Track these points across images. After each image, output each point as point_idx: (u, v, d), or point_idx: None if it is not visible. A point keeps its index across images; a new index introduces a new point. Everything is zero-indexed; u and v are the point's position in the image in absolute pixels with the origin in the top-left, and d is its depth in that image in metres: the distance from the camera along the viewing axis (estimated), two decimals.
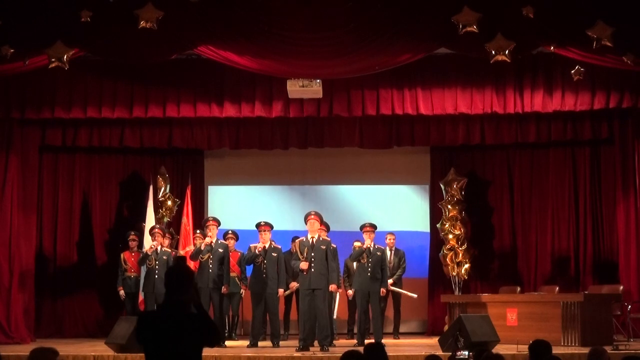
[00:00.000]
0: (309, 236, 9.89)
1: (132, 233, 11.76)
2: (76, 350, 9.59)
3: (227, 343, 10.39)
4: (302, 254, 9.85)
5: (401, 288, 11.94)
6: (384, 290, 10.75)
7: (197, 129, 12.11)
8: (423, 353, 8.66)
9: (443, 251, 12.14)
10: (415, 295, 11.87)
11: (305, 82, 10.50)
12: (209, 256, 10.56)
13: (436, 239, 12.63)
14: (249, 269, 10.81)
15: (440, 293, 12.14)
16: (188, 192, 12.08)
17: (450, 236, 12.04)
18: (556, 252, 12.58)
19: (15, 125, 11.52)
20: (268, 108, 11.11)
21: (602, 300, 10.17)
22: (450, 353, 8.40)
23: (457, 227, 12.04)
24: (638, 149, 11.35)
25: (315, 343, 9.79)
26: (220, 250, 10.67)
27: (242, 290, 11.40)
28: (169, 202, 12.33)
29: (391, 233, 12.12)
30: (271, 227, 10.52)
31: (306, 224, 9.97)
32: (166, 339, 4.10)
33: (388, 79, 10.99)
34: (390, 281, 11.66)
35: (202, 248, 10.54)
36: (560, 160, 12.63)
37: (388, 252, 11.93)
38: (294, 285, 10.75)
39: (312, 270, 9.73)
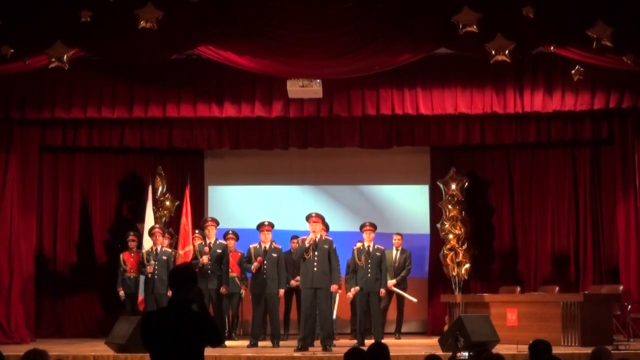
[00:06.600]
0: (311, 236, 9.86)
1: (132, 233, 11.74)
2: (76, 350, 9.59)
3: (227, 343, 10.39)
4: (306, 253, 9.80)
5: (405, 289, 11.96)
6: (383, 291, 10.73)
7: (197, 129, 12.11)
8: (423, 353, 8.64)
9: (443, 251, 12.11)
10: (415, 300, 11.90)
11: (305, 82, 10.50)
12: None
13: (436, 239, 12.62)
14: None
15: (440, 293, 12.14)
16: (187, 192, 12.08)
17: (451, 236, 12.01)
18: (556, 252, 12.58)
19: (15, 125, 11.53)
20: (268, 108, 11.11)
21: (602, 300, 10.17)
22: (450, 353, 8.40)
23: (458, 227, 12.02)
24: (638, 149, 11.36)
25: (316, 343, 9.79)
26: (219, 250, 10.66)
27: (242, 290, 11.40)
28: (168, 202, 12.32)
29: (398, 233, 12.15)
30: (272, 226, 10.53)
31: (308, 225, 9.95)
32: (170, 337, 4.13)
33: (388, 79, 10.99)
34: (393, 281, 11.71)
35: (202, 264, 10.58)
36: (560, 160, 12.63)
37: (395, 252, 12.00)
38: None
39: (315, 269, 9.71)
